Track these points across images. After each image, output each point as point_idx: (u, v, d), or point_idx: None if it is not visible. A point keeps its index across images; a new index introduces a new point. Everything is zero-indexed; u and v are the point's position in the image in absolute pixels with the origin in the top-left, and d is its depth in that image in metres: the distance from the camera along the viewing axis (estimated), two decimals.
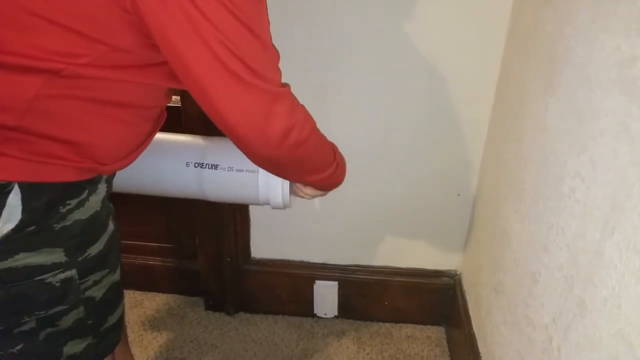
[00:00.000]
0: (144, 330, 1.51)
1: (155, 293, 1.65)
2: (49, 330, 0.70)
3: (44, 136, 0.63)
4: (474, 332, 1.23)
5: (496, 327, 1.05)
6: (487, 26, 1.11)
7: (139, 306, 1.60)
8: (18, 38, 0.58)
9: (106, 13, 0.59)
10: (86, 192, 0.70)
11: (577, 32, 0.74)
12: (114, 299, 0.79)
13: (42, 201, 0.64)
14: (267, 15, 0.69)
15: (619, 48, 0.61)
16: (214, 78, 0.62)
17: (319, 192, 0.96)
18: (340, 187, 1.34)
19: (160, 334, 1.50)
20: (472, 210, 1.34)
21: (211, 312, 1.58)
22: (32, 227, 0.64)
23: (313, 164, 0.83)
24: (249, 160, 0.90)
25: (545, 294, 0.79)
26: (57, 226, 0.67)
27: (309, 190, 0.96)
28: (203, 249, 1.50)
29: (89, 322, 0.74)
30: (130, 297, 1.62)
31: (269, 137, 0.69)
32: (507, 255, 1.00)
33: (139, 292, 1.64)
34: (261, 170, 0.91)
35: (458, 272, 1.45)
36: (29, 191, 0.63)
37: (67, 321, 0.71)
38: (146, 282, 1.63)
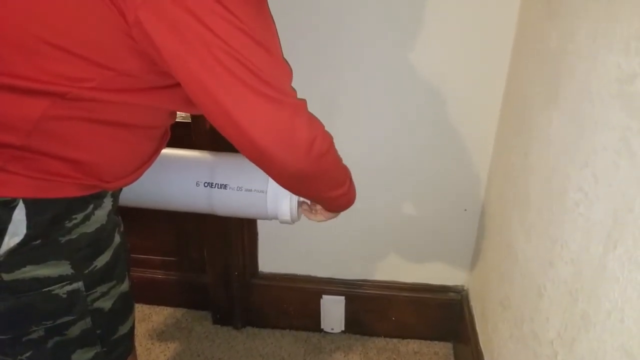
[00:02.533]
0: (152, 343, 1.52)
1: (162, 307, 1.66)
2: (57, 338, 0.71)
3: (49, 155, 0.65)
4: (480, 348, 1.22)
5: (503, 342, 1.05)
6: (492, 42, 1.12)
7: (147, 320, 1.60)
8: (27, 62, 0.60)
9: (113, 40, 0.61)
10: (91, 206, 0.71)
11: (579, 49, 0.75)
12: (123, 309, 0.80)
13: (47, 216, 0.66)
14: (277, 32, 0.71)
15: (619, 65, 0.62)
16: (234, 95, 0.63)
17: (331, 215, 0.96)
18: None
19: (168, 347, 1.51)
20: (478, 224, 1.34)
21: (218, 326, 1.59)
22: (38, 241, 0.66)
23: (334, 178, 0.84)
24: (257, 180, 0.92)
25: (550, 308, 0.80)
26: (63, 239, 0.68)
27: (321, 216, 0.97)
28: (211, 263, 1.51)
29: (98, 332, 0.75)
30: (138, 310, 1.63)
31: (296, 148, 0.68)
32: (513, 269, 1.00)
33: (147, 306, 1.65)
34: (269, 189, 0.92)
35: (465, 287, 1.45)
36: (34, 207, 0.64)
37: (74, 331, 0.72)
38: (154, 295, 1.64)
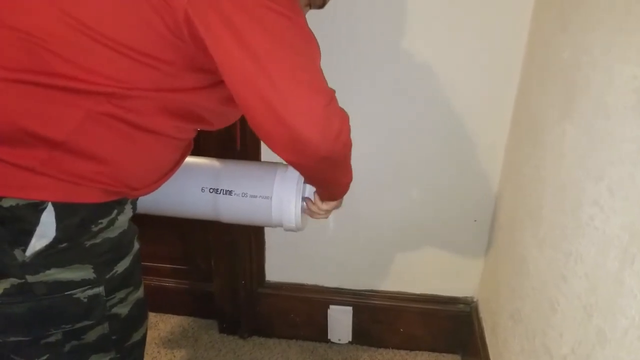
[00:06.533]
0: (158, 352, 1.51)
1: (169, 315, 1.65)
2: (74, 343, 0.71)
3: (83, 156, 0.66)
4: None
5: (514, 356, 1.03)
6: (503, 53, 1.12)
7: (154, 328, 1.60)
8: (81, 64, 0.62)
9: (160, 39, 0.63)
10: (115, 211, 0.72)
11: (594, 60, 0.74)
12: (138, 316, 0.80)
13: (76, 220, 0.67)
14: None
15: (636, 77, 0.62)
16: (276, 80, 0.64)
17: (333, 204, 0.97)
18: (355, 211, 1.34)
19: (174, 356, 1.50)
20: (489, 236, 1.33)
21: (225, 335, 1.58)
22: (65, 244, 0.66)
23: (349, 163, 0.86)
24: (262, 186, 0.92)
25: (564, 323, 0.78)
26: (88, 243, 0.69)
27: (325, 206, 0.97)
28: (218, 272, 1.50)
29: (113, 337, 0.75)
30: None
31: (330, 131, 0.69)
32: (524, 283, 0.99)
33: (154, 314, 1.65)
34: (274, 196, 0.93)
35: (474, 299, 1.43)
36: (63, 210, 0.65)
37: (91, 336, 0.72)
38: (161, 303, 1.63)
